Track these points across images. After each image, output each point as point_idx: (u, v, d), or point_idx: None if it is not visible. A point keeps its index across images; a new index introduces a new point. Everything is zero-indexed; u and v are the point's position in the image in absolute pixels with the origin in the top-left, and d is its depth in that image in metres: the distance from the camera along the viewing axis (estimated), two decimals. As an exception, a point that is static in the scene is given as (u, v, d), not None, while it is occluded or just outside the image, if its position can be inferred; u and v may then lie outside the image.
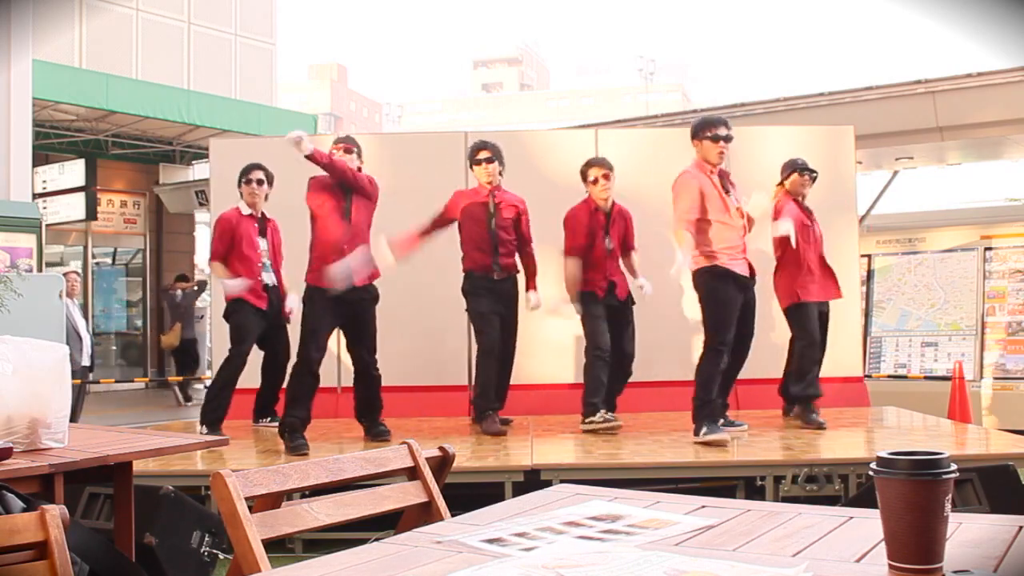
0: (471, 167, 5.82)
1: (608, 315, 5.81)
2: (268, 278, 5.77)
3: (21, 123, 8.61)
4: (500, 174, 5.78)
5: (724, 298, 5.20)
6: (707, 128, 5.21)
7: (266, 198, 5.87)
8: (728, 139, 5.21)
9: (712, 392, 5.20)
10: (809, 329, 5.94)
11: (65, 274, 8.62)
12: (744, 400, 6.62)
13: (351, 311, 5.36)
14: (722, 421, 5.38)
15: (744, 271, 5.24)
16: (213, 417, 5.70)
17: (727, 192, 5.20)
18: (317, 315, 5.26)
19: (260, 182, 5.80)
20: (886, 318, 9.17)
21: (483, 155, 5.72)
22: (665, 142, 6.92)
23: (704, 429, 5.08)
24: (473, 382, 5.99)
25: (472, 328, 5.93)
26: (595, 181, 5.79)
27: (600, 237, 5.80)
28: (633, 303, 5.95)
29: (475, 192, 5.81)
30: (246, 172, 5.85)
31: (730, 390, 5.71)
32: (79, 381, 8.53)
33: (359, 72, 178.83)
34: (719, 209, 5.14)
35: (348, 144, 5.45)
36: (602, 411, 5.62)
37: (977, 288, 8.70)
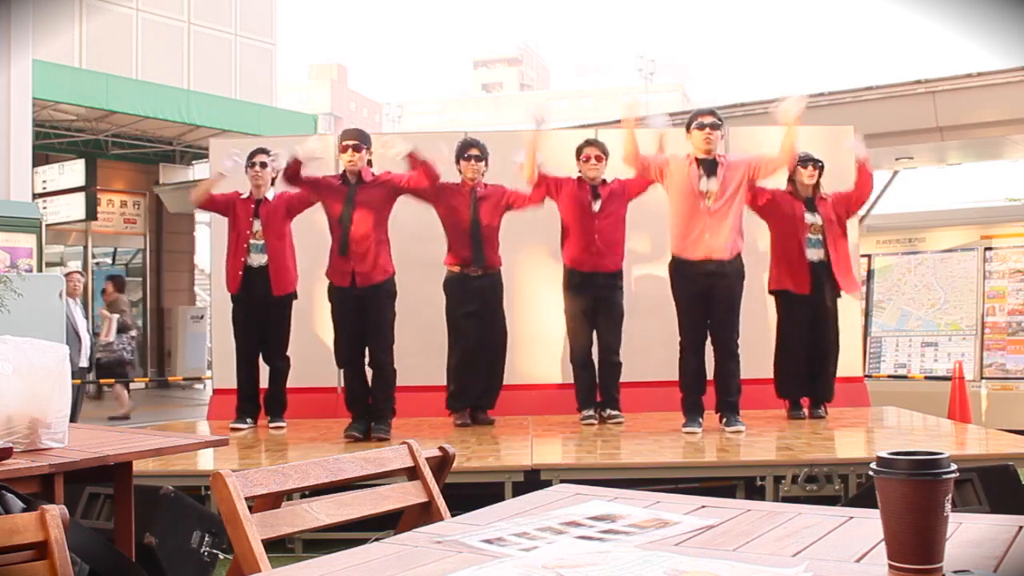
0: (457, 162, 5.87)
1: (593, 303, 5.86)
2: (255, 259, 5.80)
3: (21, 123, 8.60)
4: (483, 174, 5.88)
5: (678, 295, 5.53)
6: (693, 119, 5.55)
7: (273, 182, 5.89)
8: (714, 126, 5.41)
9: (687, 388, 5.55)
10: (784, 323, 6.07)
11: (68, 274, 8.60)
12: (744, 400, 6.60)
13: (362, 306, 5.41)
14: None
15: (699, 255, 5.34)
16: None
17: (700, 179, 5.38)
18: (333, 313, 5.49)
19: (263, 164, 5.87)
20: (886, 318, 9.16)
21: (473, 152, 5.84)
22: (665, 142, 6.91)
23: (684, 422, 5.47)
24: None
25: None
26: (587, 159, 5.91)
27: (588, 207, 5.84)
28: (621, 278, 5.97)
29: (456, 187, 5.87)
30: (250, 156, 5.92)
31: (706, 388, 5.67)
32: (79, 381, 8.50)
33: (359, 72, 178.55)
34: (686, 194, 5.39)
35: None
36: (585, 411, 5.91)
37: (977, 288, 8.70)
